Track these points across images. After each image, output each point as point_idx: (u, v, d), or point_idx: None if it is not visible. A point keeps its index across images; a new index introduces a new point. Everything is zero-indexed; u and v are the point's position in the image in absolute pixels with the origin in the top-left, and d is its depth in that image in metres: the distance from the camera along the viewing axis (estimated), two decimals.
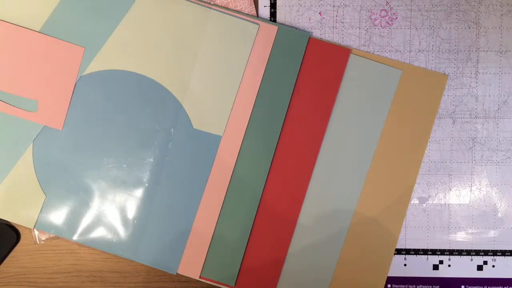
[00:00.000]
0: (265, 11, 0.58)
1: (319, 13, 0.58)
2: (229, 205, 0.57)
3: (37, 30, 0.56)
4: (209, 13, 0.57)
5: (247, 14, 0.57)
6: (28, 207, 0.56)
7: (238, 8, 0.57)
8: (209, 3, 0.57)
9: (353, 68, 0.57)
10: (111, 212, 0.57)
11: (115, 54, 0.57)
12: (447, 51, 0.58)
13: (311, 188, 0.57)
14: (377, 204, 0.57)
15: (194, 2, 0.57)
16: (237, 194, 0.57)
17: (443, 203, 0.58)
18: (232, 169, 0.56)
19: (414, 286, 0.58)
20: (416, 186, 0.58)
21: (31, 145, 0.57)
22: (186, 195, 0.57)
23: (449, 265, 0.58)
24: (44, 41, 0.56)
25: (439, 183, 0.58)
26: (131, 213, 0.57)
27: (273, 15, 0.58)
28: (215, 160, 0.56)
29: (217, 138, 0.57)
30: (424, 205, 0.58)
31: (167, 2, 0.57)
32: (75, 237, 0.57)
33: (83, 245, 0.58)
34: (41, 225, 0.57)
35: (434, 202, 0.58)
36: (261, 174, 0.57)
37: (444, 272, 0.58)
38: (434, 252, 0.58)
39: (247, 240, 0.56)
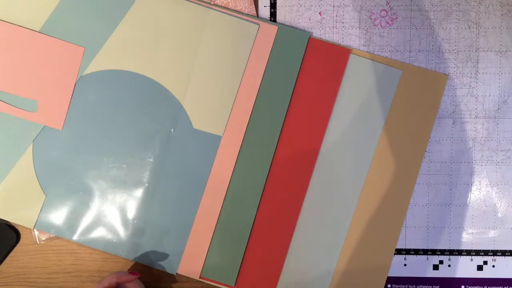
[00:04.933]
0: (265, 11, 0.58)
1: (319, 13, 0.58)
2: (229, 205, 0.57)
3: (37, 30, 0.56)
4: (209, 13, 0.57)
5: (247, 14, 0.57)
6: (28, 207, 0.56)
7: (238, 8, 0.57)
8: (209, 3, 0.57)
9: (353, 68, 0.57)
10: (111, 212, 0.57)
11: (115, 54, 0.57)
12: (447, 51, 0.58)
13: (311, 188, 0.57)
14: (377, 204, 0.57)
15: (194, 2, 0.57)
16: (237, 194, 0.57)
17: (443, 203, 0.58)
18: (232, 169, 0.56)
19: (414, 286, 0.58)
20: (416, 186, 0.58)
21: (31, 145, 0.57)
22: (186, 195, 0.57)
23: (449, 265, 0.58)
24: (44, 41, 0.56)
25: (439, 183, 0.58)
26: (131, 213, 0.57)
27: (273, 15, 0.58)
28: (215, 160, 0.56)
29: (217, 138, 0.57)
30: (424, 205, 0.58)
31: (167, 2, 0.57)
32: (75, 237, 0.57)
33: (83, 245, 0.58)
34: (41, 225, 0.57)
35: (434, 202, 0.58)
36: (261, 174, 0.56)
37: (444, 272, 0.58)
38: (434, 252, 0.58)
39: (247, 240, 0.56)
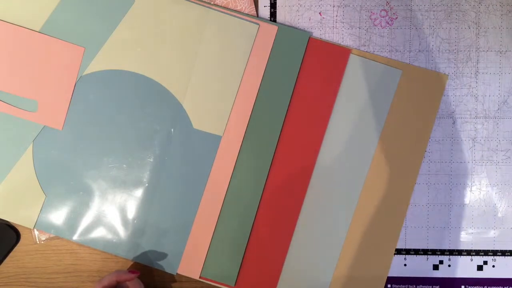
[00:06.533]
0: (265, 11, 0.58)
1: (319, 13, 0.58)
2: (229, 205, 0.57)
3: (37, 30, 0.56)
4: (209, 13, 0.57)
5: (247, 14, 0.57)
6: (28, 207, 0.56)
7: (238, 8, 0.57)
8: (209, 3, 0.57)
9: (353, 68, 0.57)
10: (111, 212, 0.57)
11: (115, 54, 0.57)
12: (447, 51, 0.58)
13: (311, 188, 0.57)
14: (377, 204, 0.57)
15: (194, 2, 0.57)
16: (237, 194, 0.57)
17: (443, 203, 0.58)
18: (232, 169, 0.56)
19: (414, 286, 0.58)
20: (416, 186, 0.58)
21: (31, 145, 0.57)
22: (186, 195, 0.57)
23: (449, 265, 0.58)
24: (44, 41, 0.56)
25: (439, 183, 0.58)
26: (131, 213, 0.57)
27: (273, 15, 0.58)
28: (215, 160, 0.56)
29: (217, 138, 0.57)
30: (424, 205, 0.58)
31: (167, 2, 0.57)
32: (75, 237, 0.57)
33: (83, 245, 0.58)
34: (41, 225, 0.57)
35: (434, 202, 0.58)
36: (261, 174, 0.56)
37: (444, 272, 0.58)
38: (434, 252, 0.58)
39: (247, 240, 0.56)
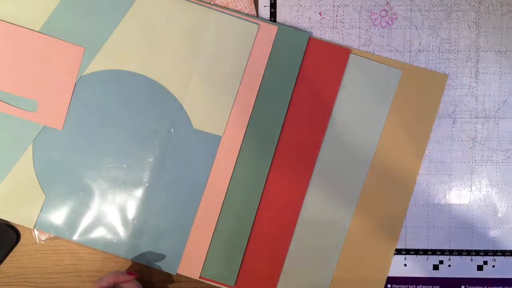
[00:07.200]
0: (265, 11, 0.58)
1: (319, 13, 0.58)
2: (229, 205, 0.57)
3: (37, 30, 0.56)
4: (209, 13, 0.57)
5: (247, 14, 0.57)
6: (28, 207, 0.56)
7: (238, 8, 0.57)
8: (209, 3, 0.57)
9: (353, 68, 0.57)
10: (111, 212, 0.57)
11: (115, 54, 0.57)
12: (447, 51, 0.58)
13: (311, 188, 0.57)
14: (377, 204, 0.57)
15: (194, 2, 0.57)
16: (237, 194, 0.57)
17: (443, 203, 0.58)
18: (232, 169, 0.56)
19: (414, 286, 0.58)
20: (416, 186, 0.58)
21: (31, 145, 0.57)
22: (186, 195, 0.57)
23: (449, 265, 0.58)
24: (44, 41, 0.56)
25: (439, 183, 0.58)
26: (131, 213, 0.57)
27: (273, 15, 0.58)
28: (215, 160, 0.56)
29: (217, 138, 0.57)
30: (424, 205, 0.58)
31: (167, 2, 0.57)
32: (75, 237, 0.57)
33: (83, 245, 0.58)
34: (41, 225, 0.57)
35: (434, 202, 0.58)
36: (261, 173, 0.56)
37: (444, 272, 0.58)
38: (434, 252, 0.58)
39: (247, 240, 0.56)
